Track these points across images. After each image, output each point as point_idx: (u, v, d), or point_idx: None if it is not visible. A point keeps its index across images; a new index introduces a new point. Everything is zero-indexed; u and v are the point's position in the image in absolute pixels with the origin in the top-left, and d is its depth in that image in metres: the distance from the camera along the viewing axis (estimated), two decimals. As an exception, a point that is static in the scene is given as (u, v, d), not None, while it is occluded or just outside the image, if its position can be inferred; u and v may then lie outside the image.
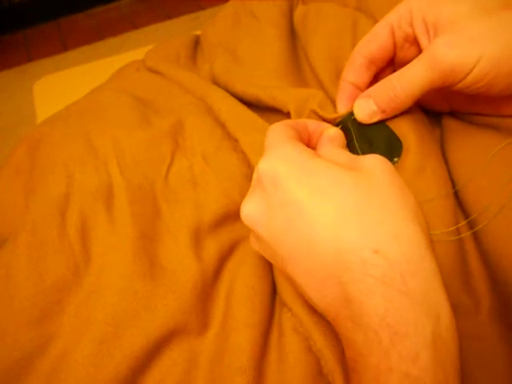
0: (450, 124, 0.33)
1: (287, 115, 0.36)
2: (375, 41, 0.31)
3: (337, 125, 0.32)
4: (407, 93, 0.28)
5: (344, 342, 0.20)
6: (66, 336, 0.26)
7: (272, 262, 0.25)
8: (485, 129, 0.31)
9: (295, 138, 0.25)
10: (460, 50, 0.26)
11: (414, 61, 0.28)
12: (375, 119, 0.30)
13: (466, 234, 0.27)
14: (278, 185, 0.22)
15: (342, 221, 0.20)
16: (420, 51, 0.30)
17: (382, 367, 0.18)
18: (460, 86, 0.27)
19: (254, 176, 0.25)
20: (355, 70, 0.32)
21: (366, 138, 0.30)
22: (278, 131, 0.26)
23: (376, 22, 0.41)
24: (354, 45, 0.41)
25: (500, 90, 0.27)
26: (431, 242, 0.26)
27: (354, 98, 0.31)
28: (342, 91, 0.33)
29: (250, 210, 0.24)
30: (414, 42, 0.30)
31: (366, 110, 0.30)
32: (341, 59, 0.41)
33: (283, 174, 0.22)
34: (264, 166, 0.23)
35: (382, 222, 0.20)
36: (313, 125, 0.29)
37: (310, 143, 0.29)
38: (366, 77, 0.32)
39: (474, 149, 0.30)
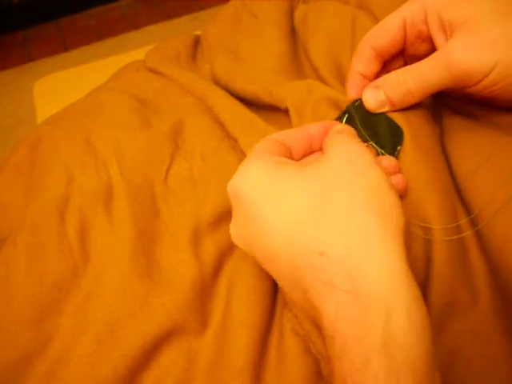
0: (451, 121, 0.33)
1: (286, 112, 0.36)
2: (386, 34, 0.31)
3: (343, 113, 0.32)
4: (419, 89, 0.28)
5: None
6: (65, 336, 0.26)
7: None
8: (486, 126, 0.31)
9: (270, 151, 0.25)
10: (477, 54, 0.26)
11: (430, 59, 0.28)
12: (383, 110, 0.30)
13: (467, 233, 0.27)
14: (238, 200, 0.23)
15: (294, 225, 0.20)
16: (432, 47, 0.30)
17: (338, 377, 0.16)
18: (473, 89, 0.27)
19: None
20: (363, 60, 0.32)
21: (370, 126, 0.31)
22: (257, 147, 0.26)
23: (375, 18, 0.42)
24: (353, 41, 0.41)
25: None
26: (431, 238, 0.26)
27: (362, 89, 0.31)
28: (352, 82, 0.33)
29: (231, 230, 0.25)
30: (427, 39, 0.30)
31: (374, 99, 0.30)
32: (340, 55, 0.41)
33: (243, 189, 0.23)
34: (228, 186, 0.24)
35: (329, 221, 0.19)
36: (315, 128, 0.28)
37: (313, 147, 0.28)
38: (374, 67, 0.32)
39: (475, 145, 0.30)
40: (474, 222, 0.28)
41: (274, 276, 0.22)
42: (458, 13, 0.27)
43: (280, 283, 0.22)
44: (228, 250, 0.30)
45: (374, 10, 0.43)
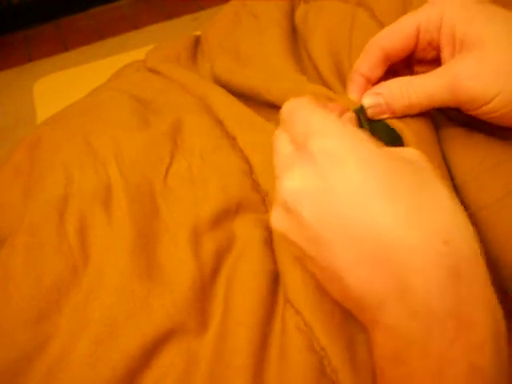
0: (448, 128, 0.33)
1: None
2: (398, 36, 0.30)
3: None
4: (421, 105, 0.29)
5: (381, 332, 0.19)
6: (64, 336, 0.26)
7: (298, 243, 0.22)
8: (482, 134, 0.31)
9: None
10: (483, 82, 0.26)
11: (436, 78, 0.28)
12: (382, 117, 0.30)
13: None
14: (331, 157, 0.21)
15: (409, 206, 0.20)
16: (439, 56, 0.30)
17: (447, 356, 0.18)
18: (473, 112, 0.27)
19: (289, 151, 0.23)
20: (370, 62, 0.31)
21: (369, 131, 0.30)
22: (305, 104, 0.24)
23: (373, 14, 0.41)
24: (350, 38, 0.41)
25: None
26: None
27: (364, 91, 0.31)
28: (354, 83, 0.32)
29: (298, 185, 0.22)
30: (437, 48, 0.30)
31: (375, 107, 0.30)
32: (339, 53, 0.41)
33: (342, 149, 0.21)
34: (321, 142, 0.21)
35: (446, 213, 0.20)
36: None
37: None
38: (379, 71, 0.32)
39: (472, 151, 0.30)
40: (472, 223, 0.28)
41: (342, 251, 0.20)
42: (471, 31, 0.27)
43: (346, 260, 0.20)
44: (227, 248, 0.30)
45: (372, 8, 0.42)
